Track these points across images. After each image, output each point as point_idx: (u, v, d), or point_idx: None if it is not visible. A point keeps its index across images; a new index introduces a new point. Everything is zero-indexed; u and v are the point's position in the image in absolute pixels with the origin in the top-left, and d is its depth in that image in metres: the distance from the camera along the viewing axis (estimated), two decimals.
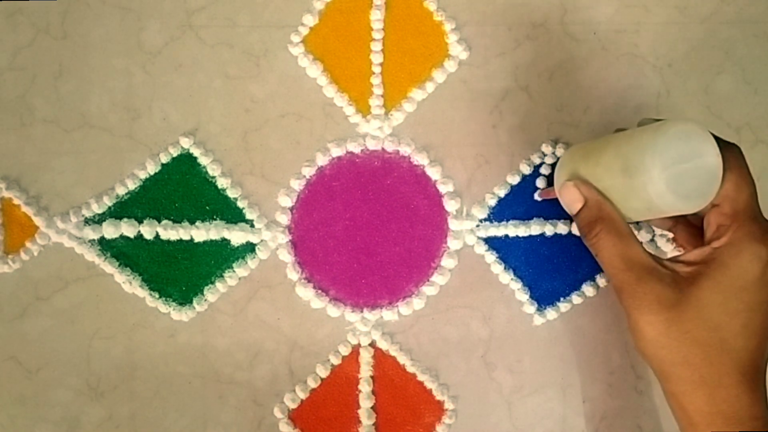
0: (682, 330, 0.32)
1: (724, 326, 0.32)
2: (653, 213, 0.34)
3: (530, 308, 0.44)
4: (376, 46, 0.44)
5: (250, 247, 0.43)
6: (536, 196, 0.44)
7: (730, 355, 0.32)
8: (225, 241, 0.43)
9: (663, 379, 0.34)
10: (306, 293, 0.43)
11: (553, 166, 0.44)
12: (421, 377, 0.44)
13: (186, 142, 0.43)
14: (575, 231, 0.44)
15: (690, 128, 0.33)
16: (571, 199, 0.36)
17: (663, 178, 0.32)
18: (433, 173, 0.44)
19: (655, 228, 0.44)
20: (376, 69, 0.44)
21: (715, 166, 0.33)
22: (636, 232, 0.40)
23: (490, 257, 0.44)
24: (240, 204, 0.43)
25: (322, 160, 0.44)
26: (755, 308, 0.32)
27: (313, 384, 0.43)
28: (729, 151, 0.34)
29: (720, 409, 0.32)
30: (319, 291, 0.44)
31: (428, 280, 0.44)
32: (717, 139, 0.34)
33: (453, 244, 0.44)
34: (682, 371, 0.33)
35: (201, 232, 0.43)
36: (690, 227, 0.39)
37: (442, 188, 0.44)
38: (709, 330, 0.32)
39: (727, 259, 0.33)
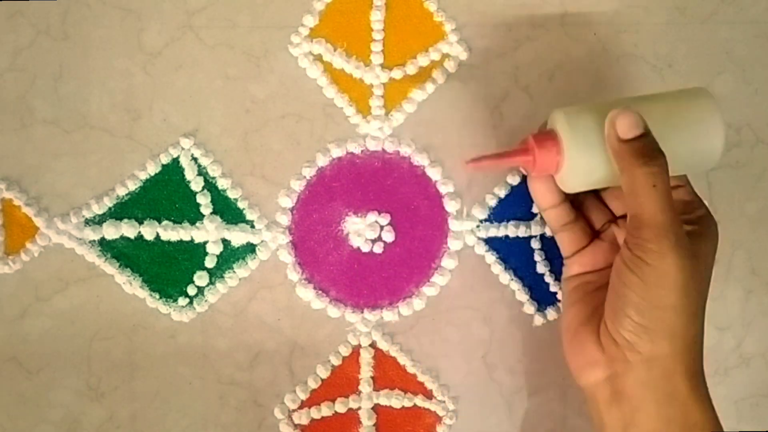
0: (697, 280, 0.35)
1: (694, 293, 0.35)
2: (689, 168, 0.38)
3: (531, 309, 0.44)
4: (376, 47, 0.44)
5: (250, 248, 0.43)
6: (466, 163, 0.40)
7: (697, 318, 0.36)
8: (225, 242, 0.43)
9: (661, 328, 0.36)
10: (306, 294, 0.43)
11: None
12: (421, 378, 0.44)
13: (186, 143, 0.43)
14: None
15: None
16: (629, 123, 0.35)
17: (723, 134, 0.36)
18: (434, 174, 0.44)
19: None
20: (377, 69, 0.44)
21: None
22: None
23: (491, 258, 0.44)
24: (240, 205, 0.43)
25: (322, 161, 0.44)
26: (705, 289, 0.37)
27: (313, 385, 0.43)
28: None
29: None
30: (320, 292, 0.44)
31: (429, 281, 0.44)
32: None
33: (453, 244, 0.44)
34: (683, 318, 0.35)
35: (201, 233, 0.43)
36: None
37: (443, 189, 0.44)
38: (694, 296, 0.35)
39: (711, 227, 0.38)
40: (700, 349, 0.36)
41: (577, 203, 0.41)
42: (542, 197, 0.40)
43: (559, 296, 0.44)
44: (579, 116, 0.37)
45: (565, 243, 0.41)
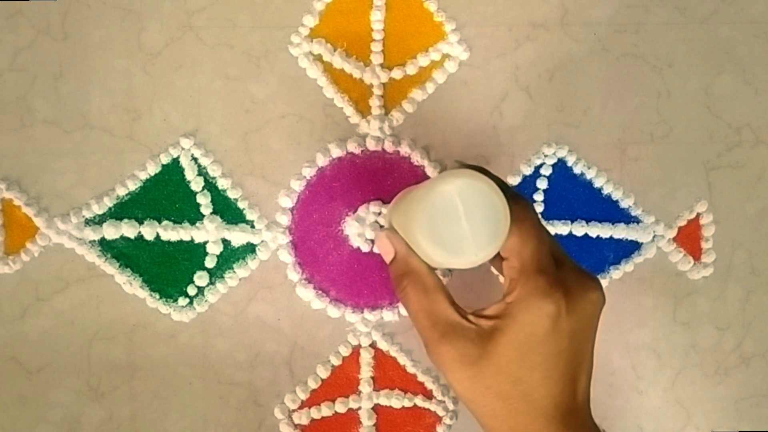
0: (485, 385, 0.32)
1: (524, 379, 0.32)
2: (444, 265, 0.34)
3: None
4: (376, 47, 0.44)
5: (250, 248, 0.43)
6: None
7: (534, 405, 0.32)
8: (225, 242, 0.43)
9: (482, 427, 0.34)
10: (306, 294, 0.43)
11: (553, 166, 0.44)
12: (421, 378, 0.44)
13: (186, 143, 0.43)
14: (575, 232, 0.44)
15: (461, 184, 0.32)
16: (383, 250, 0.35)
17: (427, 240, 0.32)
18: (434, 174, 0.44)
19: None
20: (377, 69, 0.44)
21: (467, 226, 0.32)
22: None
23: None
24: (240, 205, 0.43)
25: (322, 161, 0.44)
26: (554, 357, 0.32)
27: (313, 385, 0.43)
28: (516, 203, 0.33)
29: None
30: (320, 292, 0.44)
31: None
32: (505, 190, 0.32)
33: None
34: (493, 423, 0.33)
35: (201, 233, 0.43)
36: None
37: None
38: (510, 384, 0.32)
39: (518, 315, 0.32)
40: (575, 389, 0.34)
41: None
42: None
43: None
44: (394, 210, 0.37)
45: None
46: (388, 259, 0.35)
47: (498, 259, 0.34)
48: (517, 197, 0.33)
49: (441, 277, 0.36)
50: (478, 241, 0.31)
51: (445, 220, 0.31)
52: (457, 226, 0.31)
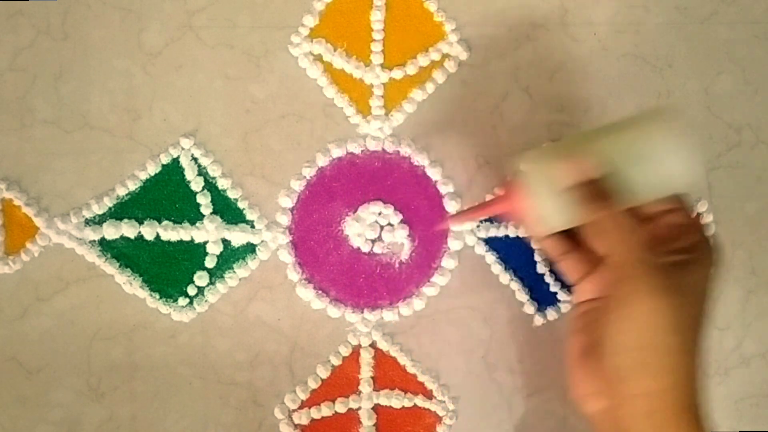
0: (689, 314, 0.34)
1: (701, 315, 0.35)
2: (650, 196, 0.36)
3: (531, 309, 0.44)
4: (376, 47, 0.44)
5: (250, 248, 0.43)
6: (447, 220, 0.43)
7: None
8: (225, 242, 0.43)
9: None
10: (306, 294, 0.43)
11: None
12: (421, 378, 0.44)
13: (186, 143, 0.43)
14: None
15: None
16: (580, 170, 0.35)
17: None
18: (434, 174, 0.44)
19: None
20: (377, 69, 0.44)
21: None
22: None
23: (491, 258, 0.44)
24: (240, 205, 0.43)
25: (322, 161, 0.44)
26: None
27: (313, 385, 0.43)
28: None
29: None
30: (320, 292, 0.44)
31: (429, 281, 0.44)
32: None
33: (453, 244, 0.44)
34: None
35: (201, 233, 0.43)
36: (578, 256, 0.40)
37: (443, 189, 0.44)
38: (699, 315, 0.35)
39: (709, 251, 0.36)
40: (695, 384, 0.35)
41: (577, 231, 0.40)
42: (533, 232, 0.40)
43: (559, 296, 0.44)
44: (541, 161, 0.37)
45: (567, 271, 0.40)
46: (584, 177, 0.35)
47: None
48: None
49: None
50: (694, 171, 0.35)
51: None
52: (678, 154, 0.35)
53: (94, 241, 0.43)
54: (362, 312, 0.44)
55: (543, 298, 0.44)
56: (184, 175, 0.43)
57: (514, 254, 0.44)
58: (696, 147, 0.35)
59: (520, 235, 0.44)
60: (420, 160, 0.44)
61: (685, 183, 0.36)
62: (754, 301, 0.45)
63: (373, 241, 0.44)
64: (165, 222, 0.43)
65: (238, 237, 0.43)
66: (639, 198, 0.35)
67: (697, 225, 0.37)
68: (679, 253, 0.35)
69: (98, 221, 0.43)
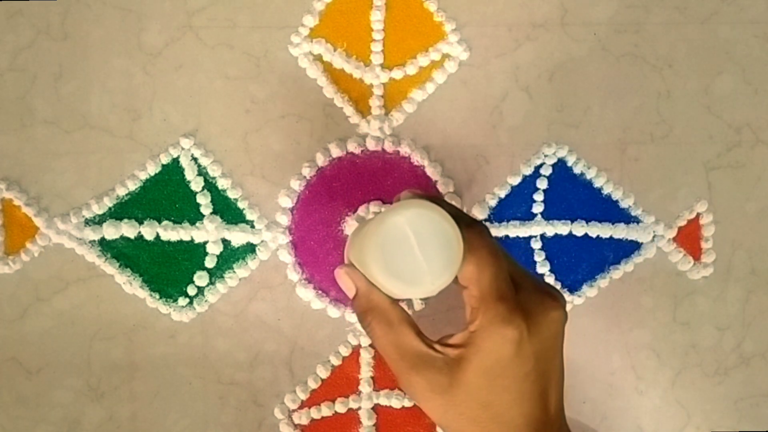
0: (458, 411, 0.33)
1: (494, 402, 0.32)
2: (404, 296, 0.34)
3: None
4: (376, 47, 0.44)
5: (250, 248, 0.43)
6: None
7: (506, 425, 0.33)
8: (225, 242, 0.43)
9: None
10: (306, 294, 0.43)
11: (553, 166, 0.44)
12: None
13: (186, 143, 0.43)
14: (575, 232, 0.44)
15: (410, 215, 0.31)
16: (344, 287, 0.36)
17: (383, 273, 0.32)
18: (434, 174, 0.44)
19: None
20: (377, 69, 0.44)
21: (421, 256, 0.31)
22: None
23: None
24: (240, 205, 0.43)
25: (322, 161, 0.44)
26: (521, 379, 0.32)
27: (313, 385, 0.43)
28: (471, 230, 0.32)
29: None
30: (320, 292, 0.44)
31: None
32: (459, 217, 0.32)
33: None
34: None
35: (201, 233, 0.43)
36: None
37: (443, 189, 0.44)
38: (481, 408, 0.32)
39: (481, 343, 0.32)
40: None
41: None
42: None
43: None
44: (351, 243, 0.37)
45: None
46: (350, 295, 0.35)
47: (461, 287, 0.34)
48: (472, 224, 0.33)
49: (408, 308, 0.35)
50: (433, 270, 0.31)
51: (399, 251, 0.31)
52: (410, 256, 0.31)
53: (94, 241, 0.43)
54: None
55: None
56: (184, 175, 0.43)
57: (514, 254, 0.44)
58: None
59: (520, 236, 0.44)
60: (420, 160, 0.44)
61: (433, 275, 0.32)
62: (754, 301, 0.45)
63: None
64: (165, 222, 0.43)
65: (238, 237, 0.43)
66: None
67: (484, 303, 0.33)
68: (453, 347, 0.34)
69: (98, 221, 0.43)
